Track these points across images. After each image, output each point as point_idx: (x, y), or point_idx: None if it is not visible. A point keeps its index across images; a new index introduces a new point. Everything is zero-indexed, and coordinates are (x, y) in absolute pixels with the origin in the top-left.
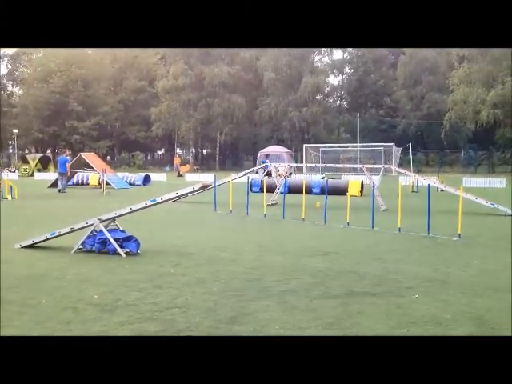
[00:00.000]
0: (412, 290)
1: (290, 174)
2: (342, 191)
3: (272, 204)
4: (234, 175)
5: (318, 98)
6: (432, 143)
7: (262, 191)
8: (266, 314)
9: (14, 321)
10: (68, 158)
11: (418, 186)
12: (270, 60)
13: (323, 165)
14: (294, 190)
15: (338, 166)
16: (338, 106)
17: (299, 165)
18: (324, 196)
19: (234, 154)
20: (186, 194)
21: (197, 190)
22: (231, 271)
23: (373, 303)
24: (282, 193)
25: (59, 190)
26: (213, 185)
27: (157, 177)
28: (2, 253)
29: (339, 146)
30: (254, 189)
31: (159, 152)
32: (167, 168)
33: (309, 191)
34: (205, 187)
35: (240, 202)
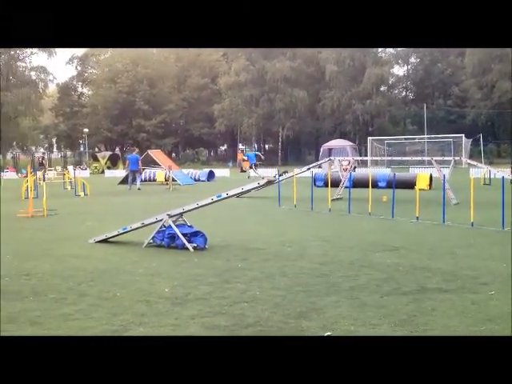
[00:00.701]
0: (487, 287)
1: (355, 167)
2: (409, 185)
3: (337, 198)
4: (297, 170)
5: (382, 89)
6: (504, 133)
7: (326, 186)
8: (336, 310)
9: (93, 313)
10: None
11: (490, 179)
12: (332, 53)
13: (389, 158)
14: (358, 184)
15: (405, 158)
16: (404, 97)
17: (364, 158)
18: (390, 190)
19: (296, 148)
20: (252, 189)
21: (262, 186)
22: (298, 266)
23: (447, 300)
24: (346, 187)
25: (130, 188)
26: (277, 180)
27: (220, 172)
28: (78, 248)
29: (405, 139)
30: (317, 183)
31: (222, 148)
32: (230, 164)
33: (374, 185)
34: (270, 182)
35: (304, 196)
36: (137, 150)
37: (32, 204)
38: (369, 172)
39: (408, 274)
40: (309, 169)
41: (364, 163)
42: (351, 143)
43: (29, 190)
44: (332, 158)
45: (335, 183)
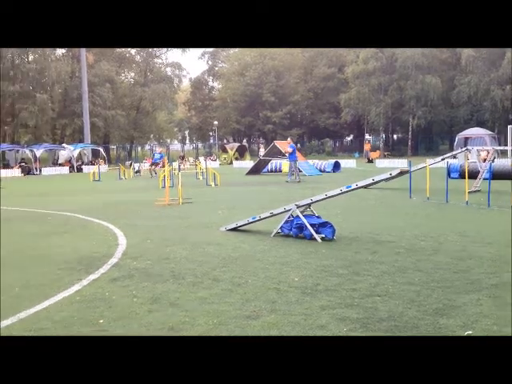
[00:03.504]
0: None
1: (494, 158)
2: None
3: (474, 191)
4: (430, 160)
5: None
6: None
7: (462, 177)
8: (477, 308)
9: (226, 298)
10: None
11: None
12: None
13: None
14: (498, 175)
15: None
16: None
17: (504, 148)
18: None
19: (428, 138)
20: (383, 180)
21: (394, 176)
22: (434, 261)
23: None
24: (485, 179)
25: (292, 179)
26: (410, 170)
27: (346, 163)
28: (211, 235)
29: None
30: (452, 175)
31: (348, 138)
32: (356, 154)
33: None
34: (403, 173)
35: (437, 188)
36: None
37: (168, 193)
38: (510, 163)
39: None
40: (443, 159)
41: (504, 153)
42: (490, 132)
43: (165, 179)
44: (469, 147)
45: (472, 175)
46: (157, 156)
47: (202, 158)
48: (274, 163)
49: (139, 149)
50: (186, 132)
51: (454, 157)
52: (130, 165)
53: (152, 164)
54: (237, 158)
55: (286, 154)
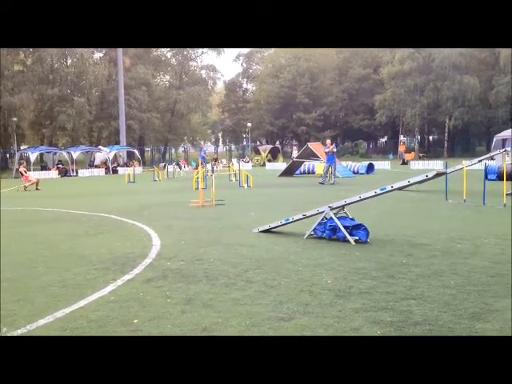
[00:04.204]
0: None
1: None
2: None
3: None
4: (466, 162)
5: None
6: None
7: (500, 179)
8: None
9: (259, 299)
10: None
11: None
12: None
13: None
14: None
15: None
16: None
17: None
18: None
19: (464, 139)
20: (418, 182)
21: (430, 178)
22: (470, 264)
23: None
24: None
25: (325, 181)
26: (446, 172)
27: (380, 165)
28: (244, 237)
29: None
30: (489, 176)
31: (382, 140)
32: (390, 156)
33: None
34: (439, 175)
35: (473, 190)
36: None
37: (202, 194)
38: None
39: None
40: (480, 161)
41: None
42: None
43: (199, 181)
44: (507, 148)
45: (510, 176)
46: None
47: (234, 160)
48: (307, 165)
49: (173, 151)
50: (220, 134)
51: (492, 158)
52: (164, 166)
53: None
54: (270, 160)
55: (324, 154)
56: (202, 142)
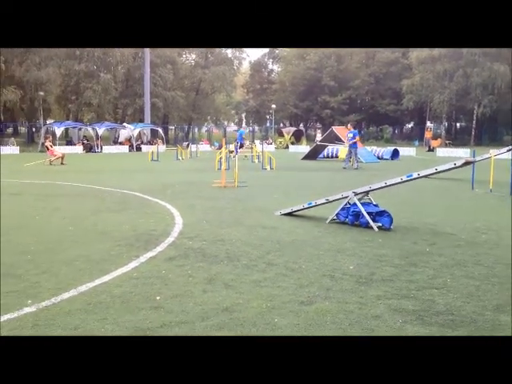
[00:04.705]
0: None
1: None
2: None
3: None
4: (494, 151)
5: None
6: None
7: None
8: None
9: (280, 282)
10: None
11: None
12: None
13: None
14: None
15: None
16: None
17: None
18: None
19: (493, 127)
20: (447, 170)
21: (459, 166)
22: (495, 255)
23: None
24: None
25: (348, 166)
26: (475, 161)
27: (405, 151)
28: (266, 219)
29: None
30: None
31: (408, 126)
32: (416, 142)
33: None
34: (468, 163)
35: (501, 180)
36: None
37: (225, 175)
38: None
39: None
40: (509, 150)
41: None
42: None
43: (222, 161)
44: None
45: None
46: (241, 133)
47: (257, 142)
48: (330, 149)
49: (196, 130)
50: (243, 115)
51: None
52: (187, 146)
53: (241, 146)
54: (293, 143)
55: (346, 140)
56: (226, 122)
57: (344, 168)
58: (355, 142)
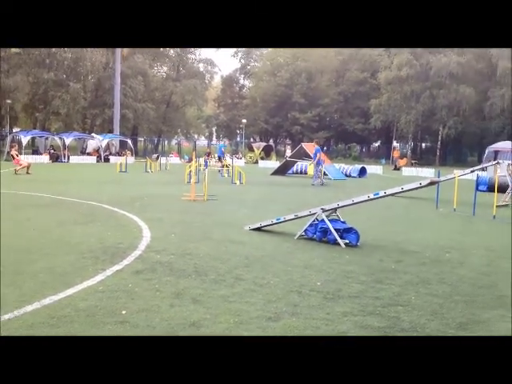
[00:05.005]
0: None
1: None
2: None
3: (503, 205)
4: (459, 171)
5: None
6: None
7: (490, 190)
8: (502, 324)
9: (248, 297)
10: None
11: None
12: (506, 49)
13: None
14: None
15: None
16: None
17: None
18: None
19: (457, 149)
20: (412, 189)
21: (424, 186)
22: (458, 274)
23: None
24: None
25: (316, 183)
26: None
27: (373, 169)
28: (235, 234)
29: None
30: (480, 187)
31: (375, 144)
32: (383, 161)
33: None
34: (433, 183)
35: (464, 200)
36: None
37: (194, 189)
38: None
39: None
40: (473, 171)
41: None
42: None
43: (192, 175)
44: (500, 161)
45: (501, 188)
46: (221, 146)
47: (227, 156)
48: (299, 165)
49: (166, 143)
50: (214, 129)
51: (484, 169)
52: (157, 158)
53: (219, 158)
54: (262, 158)
55: (312, 157)
56: (196, 136)
57: (312, 184)
58: (319, 159)
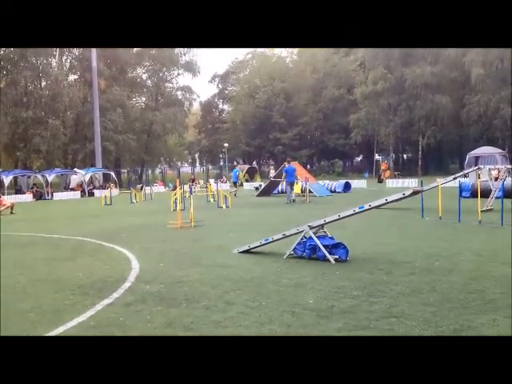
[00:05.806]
0: None
1: (506, 176)
2: None
3: (487, 210)
4: (441, 180)
5: None
6: None
7: (473, 196)
8: (494, 329)
9: (241, 321)
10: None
11: None
12: (478, 56)
13: None
14: (511, 194)
15: None
16: None
17: None
18: None
19: (438, 157)
20: (396, 200)
21: (407, 196)
22: (449, 281)
23: None
24: (497, 197)
25: (289, 201)
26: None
27: (357, 183)
28: (224, 258)
29: None
30: (463, 194)
31: (357, 159)
32: (366, 174)
33: None
34: (416, 193)
35: (448, 207)
36: (293, 161)
37: (180, 216)
38: None
39: None
40: (455, 178)
41: None
42: (500, 150)
43: (177, 202)
44: (481, 166)
45: (484, 193)
46: (235, 172)
47: (212, 181)
48: (284, 184)
49: (150, 172)
50: (196, 155)
51: (466, 176)
52: (141, 188)
53: (234, 184)
54: (247, 180)
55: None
56: (179, 163)
57: (286, 203)
58: (293, 176)
